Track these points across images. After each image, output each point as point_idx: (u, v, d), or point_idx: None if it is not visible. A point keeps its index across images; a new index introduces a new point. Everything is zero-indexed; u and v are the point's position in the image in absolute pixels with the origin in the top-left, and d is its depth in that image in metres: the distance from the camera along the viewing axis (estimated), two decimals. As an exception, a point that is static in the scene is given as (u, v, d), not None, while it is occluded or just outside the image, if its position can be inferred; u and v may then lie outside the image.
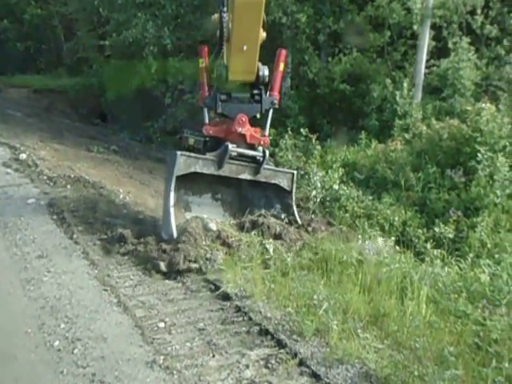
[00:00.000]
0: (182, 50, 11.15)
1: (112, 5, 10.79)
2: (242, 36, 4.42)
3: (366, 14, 8.58)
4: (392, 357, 3.01)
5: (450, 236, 4.81)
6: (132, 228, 5.24)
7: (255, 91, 4.92)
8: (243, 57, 4.51)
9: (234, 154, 4.73)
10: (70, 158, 8.46)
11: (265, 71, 4.82)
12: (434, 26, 8.05)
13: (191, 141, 5.09)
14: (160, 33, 9.75)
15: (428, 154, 6.62)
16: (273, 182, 5.04)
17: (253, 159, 4.92)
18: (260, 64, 4.77)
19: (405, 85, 7.77)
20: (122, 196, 6.36)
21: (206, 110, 4.96)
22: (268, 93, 4.96)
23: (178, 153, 4.58)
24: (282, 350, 3.13)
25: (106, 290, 3.91)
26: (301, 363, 3.00)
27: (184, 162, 4.55)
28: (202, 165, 4.66)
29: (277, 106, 5.00)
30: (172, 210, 4.52)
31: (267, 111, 5.00)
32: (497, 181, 5.50)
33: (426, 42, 7.83)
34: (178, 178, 4.55)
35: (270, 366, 3.00)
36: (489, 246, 4.78)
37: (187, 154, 4.67)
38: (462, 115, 7.01)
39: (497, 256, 4.28)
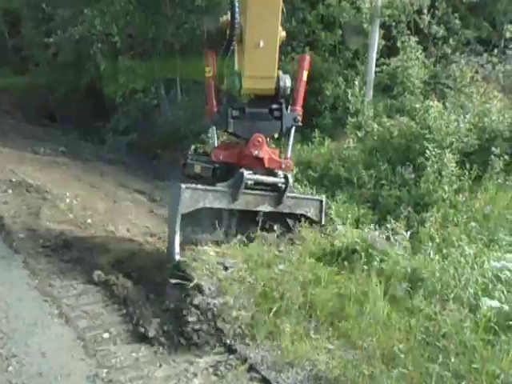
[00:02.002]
0: (134, 47, 10.85)
1: (56, 0, 10.34)
2: (257, 31, 3.68)
3: (318, 12, 8.61)
4: (343, 357, 2.98)
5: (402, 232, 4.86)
6: (78, 234, 5.03)
7: (274, 106, 4.06)
8: (259, 57, 3.76)
9: (250, 182, 3.92)
10: (14, 160, 8.05)
11: (286, 81, 3.97)
12: (383, 25, 8.18)
13: (197, 168, 4.18)
14: (108, 30, 9.42)
15: (379, 151, 6.70)
16: (298, 212, 4.18)
17: (273, 187, 4.07)
18: (281, 72, 4.01)
19: (356, 83, 7.85)
20: (68, 200, 6.09)
21: (214, 128, 4.16)
22: (289, 108, 4.14)
23: (183, 186, 3.73)
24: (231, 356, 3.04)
25: (46, 301, 3.70)
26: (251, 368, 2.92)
27: (190, 197, 3.74)
28: (213, 198, 3.83)
29: (300, 124, 4.18)
30: (177, 256, 3.75)
31: (289, 130, 4.18)
32: (445, 176, 5.61)
33: (376, 41, 7.94)
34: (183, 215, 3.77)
35: (219, 373, 2.90)
36: (437, 240, 4.86)
37: (193, 186, 3.81)
38: (411, 112, 7.14)
39: (444, 251, 4.35)
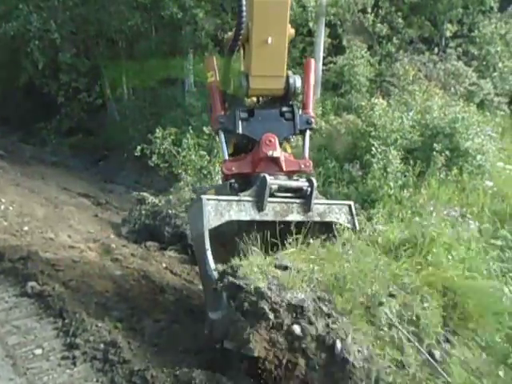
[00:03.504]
0: (76, 44, 10.41)
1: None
2: (265, 28, 3.48)
3: (264, 10, 8.55)
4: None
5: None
6: (12, 242, 4.72)
7: (285, 108, 3.78)
8: (268, 55, 3.53)
9: (274, 187, 3.51)
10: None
11: (296, 81, 3.69)
12: (329, 24, 8.25)
13: (212, 192, 3.81)
14: (46, 26, 8.95)
15: (327, 148, 6.75)
16: (329, 219, 3.77)
17: (298, 192, 3.64)
18: (290, 72, 3.74)
19: (304, 81, 7.87)
20: (3, 207, 5.72)
21: (222, 136, 3.76)
22: (301, 111, 3.85)
23: (204, 198, 3.36)
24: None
25: (-28, 318, 3.41)
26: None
27: (214, 210, 3.35)
28: (238, 209, 3.44)
29: (314, 126, 3.91)
30: (215, 273, 3.12)
31: (302, 132, 3.86)
32: (390, 173, 5.71)
33: (322, 40, 8.01)
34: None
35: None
36: (384, 236, 4.93)
37: (214, 197, 3.48)
38: (358, 110, 7.24)
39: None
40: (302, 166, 3.76)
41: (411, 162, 5.80)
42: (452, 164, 5.79)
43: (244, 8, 3.46)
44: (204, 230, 3.27)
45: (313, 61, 4.19)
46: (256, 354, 2.56)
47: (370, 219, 5.29)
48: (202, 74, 9.41)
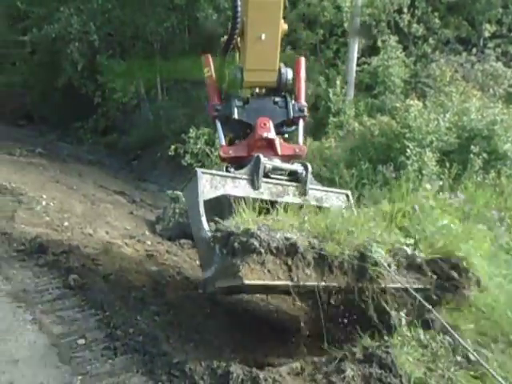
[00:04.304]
0: (113, 46, 10.69)
1: (31, -2, 10.16)
2: (258, 23, 3.66)
3: (299, 11, 8.59)
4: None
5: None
6: (54, 237, 4.90)
7: (278, 98, 3.99)
8: (261, 50, 3.73)
9: (268, 166, 3.66)
10: (-11, 166, 7.83)
11: (288, 74, 3.92)
12: (364, 25, 8.20)
13: None
14: (86, 28, 9.24)
15: (361, 150, 6.71)
16: (325, 205, 3.85)
17: (294, 176, 3.79)
18: (282, 65, 3.94)
19: (338, 82, 7.86)
20: (44, 203, 5.93)
21: (219, 124, 3.95)
22: (293, 101, 4.04)
23: (199, 171, 3.52)
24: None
25: (20, 307, 3.57)
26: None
27: (210, 183, 3.47)
28: (233, 185, 3.56)
29: (306, 114, 4.07)
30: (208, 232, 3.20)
31: (296, 120, 4.03)
32: (425, 175, 5.64)
33: (356, 40, 7.96)
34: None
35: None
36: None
37: (210, 171, 3.66)
38: (392, 112, 7.18)
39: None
40: (297, 151, 3.92)
41: (447, 164, 5.71)
42: (490, 167, 5.68)
43: (239, 14, 3.69)
44: (199, 200, 3.38)
45: (303, 59, 4.35)
46: (246, 282, 2.65)
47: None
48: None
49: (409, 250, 3.10)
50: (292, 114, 3.96)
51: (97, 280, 3.97)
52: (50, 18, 9.54)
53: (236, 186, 3.58)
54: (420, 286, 3.08)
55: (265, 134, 3.75)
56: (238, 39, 4.05)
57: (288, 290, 2.95)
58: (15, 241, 4.64)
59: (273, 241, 2.77)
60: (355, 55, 8.08)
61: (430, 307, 2.91)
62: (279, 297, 4.44)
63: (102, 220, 6.01)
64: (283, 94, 4.00)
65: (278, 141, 3.84)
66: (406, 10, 8.02)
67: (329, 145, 7.18)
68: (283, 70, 3.92)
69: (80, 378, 2.83)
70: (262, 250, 2.72)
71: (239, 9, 3.70)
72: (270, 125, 3.81)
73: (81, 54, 9.52)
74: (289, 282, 2.76)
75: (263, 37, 3.67)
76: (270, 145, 3.79)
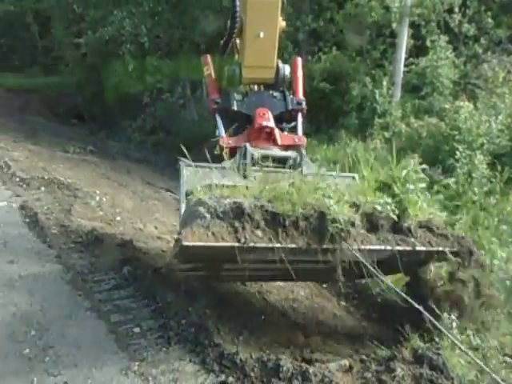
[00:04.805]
0: (161, 47, 11.00)
1: (87, 2, 10.59)
2: (257, 21, 3.75)
3: (346, 12, 8.57)
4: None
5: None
6: (108, 231, 5.13)
7: (276, 93, 4.09)
8: (259, 47, 3.83)
9: (257, 155, 3.68)
10: (45, 158, 8.25)
11: (286, 70, 4.04)
12: (412, 25, 8.08)
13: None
14: (137, 30, 9.58)
15: (408, 152, 6.62)
16: None
17: (285, 162, 3.81)
18: (280, 61, 4.04)
19: (384, 83, 7.79)
20: (98, 198, 6.21)
21: (218, 117, 4.02)
22: (291, 96, 4.13)
23: (182, 163, 3.60)
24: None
25: (79, 295, 3.79)
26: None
27: (194, 175, 3.48)
28: (220, 176, 3.53)
29: (304, 107, 4.10)
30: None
31: (295, 113, 4.09)
32: (475, 178, 5.52)
33: (404, 41, 7.86)
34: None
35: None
36: (468, 243, 4.79)
37: (195, 164, 3.61)
38: (440, 113, 7.05)
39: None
40: (297, 141, 3.96)
41: (498, 167, 5.56)
42: (543, 171, 5.49)
43: (238, 13, 3.79)
44: (181, 189, 3.53)
45: (299, 59, 4.47)
46: (184, 243, 2.57)
47: (452, 225, 5.17)
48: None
49: (385, 209, 2.98)
50: (290, 106, 4.03)
51: (148, 272, 4.14)
52: (104, 20, 9.95)
53: (224, 175, 3.58)
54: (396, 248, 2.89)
55: (264, 123, 3.81)
56: (237, 41, 4.21)
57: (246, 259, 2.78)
58: (73, 233, 4.90)
59: (220, 206, 2.74)
60: (403, 56, 7.97)
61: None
62: (324, 295, 4.51)
63: (151, 216, 6.23)
64: (281, 89, 4.09)
65: (277, 131, 3.90)
66: (457, 9, 7.84)
67: (374, 146, 7.13)
68: (281, 66, 4.02)
69: (137, 363, 2.98)
70: (207, 215, 2.70)
71: (238, 9, 3.82)
72: (269, 115, 3.88)
73: (132, 55, 9.89)
74: (235, 244, 2.62)
75: (261, 34, 3.76)
76: (269, 135, 3.85)
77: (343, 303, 4.35)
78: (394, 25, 7.83)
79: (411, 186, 3.17)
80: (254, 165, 3.68)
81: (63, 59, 14.41)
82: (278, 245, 2.69)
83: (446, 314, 2.86)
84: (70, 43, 12.69)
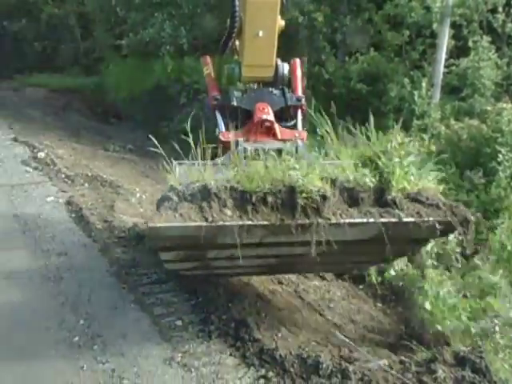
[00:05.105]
0: (198, 49, 11.17)
1: (129, 4, 10.87)
2: (256, 21, 3.80)
3: (385, 12, 8.48)
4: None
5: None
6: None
7: (275, 91, 4.12)
8: (258, 47, 3.89)
9: (250, 149, 3.61)
10: (88, 156, 8.54)
11: (285, 69, 4.11)
12: (453, 25, 7.91)
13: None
14: (177, 32, 9.78)
15: (447, 154, 6.52)
16: None
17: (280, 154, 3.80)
18: (279, 60, 4.09)
19: (423, 84, 7.66)
20: (138, 195, 6.40)
21: (218, 113, 4.05)
22: (290, 93, 4.15)
23: (175, 162, 3.56)
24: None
25: (124, 288, 3.94)
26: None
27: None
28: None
29: (304, 103, 4.10)
30: None
31: (295, 110, 4.10)
32: (518, 182, 5.40)
33: (445, 41, 7.70)
34: None
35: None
36: (509, 248, 4.70)
37: (188, 162, 3.58)
38: (481, 115, 6.89)
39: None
40: (297, 135, 3.87)
41: (544, 171, 5.43)
42: None
43: (237, 13, 3.80)
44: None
45: (298, 60, 4.40)
46: (150, 225, 2.60)
47: (492, 229, 5.08)
48: (317, 77, 9.61)
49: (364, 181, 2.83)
50: (290, 102, 4.03)
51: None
52: (145, 23, 10.20)
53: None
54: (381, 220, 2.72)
55: (264, 116, 3.78)
56: (237, 43, 4.22)
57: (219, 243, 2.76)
58: (116, 228, 5.07)
59: (188, 190, 2.76)
60: (443, 56, 7.82)
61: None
62: (360, 296, 4.52)
63: (188, 214, 6.34)
64: (280, 87, 4.09)
65: (277, 125, 3.86)
66: (500, 9, 7.63)
67: (412, 148, 7.04)
68: (280, 64, 4.05)
69: (180, 355, 3.10)
70: (175, 198, 2.73)
71: (237, 8, 3.83)
72: (269, 109, 3.86)
73: (171, 56, 10.09)
74: (202, 223, 2.60)
75: (260, 34, 3.78)
76: (269, 129, 3.81)
77: (380, 305, 4.35)
78: (435, 25, 7.68)
79: (396, 159, 3.00)
80: (245, 158, 3.58)
81: (103, 60, 14.82)
82: (249, 222, 2.65)
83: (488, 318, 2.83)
84: (110, 45, 13.03)
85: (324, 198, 2.71)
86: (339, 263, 3.63)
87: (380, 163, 3.00)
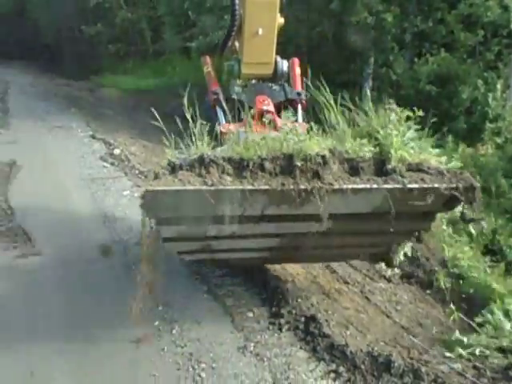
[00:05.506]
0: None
1: (201, 8, 11.24)
2: (255, 19, 3.87)
3: (458, 12, 8.22)
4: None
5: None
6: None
7: (275, 86, 4.20)
8: (258, 44, 3.96)
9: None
10: (157, 154, 8.92)
11: (284, 66, 4.18)
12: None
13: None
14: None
15: (523, 159, 6.26)
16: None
17: None
18: (278, 57, 4.17)
19: (498, 86, 7.38)
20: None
21: (218, 108, 4.04)
22: (290, 88, 4.22)
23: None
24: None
25: (197, 279, 4.15)
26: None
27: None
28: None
29: (304, 97, 4.12)
30: None
31: (295, 104, 4.12)
32: None
33: (523, 41, 7.39)
34: None
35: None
36: None
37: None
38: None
39: None
40: (297, 126, 3.73)
41: None
42: None
43: (237, 11, 3.86)
44: None
45: (296, 59, 4.44)
46: (148, 188, 2.51)
47: None
48: (383, 78, 9.48)
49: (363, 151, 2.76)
50: (290, 95, 4.07)
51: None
52: (215, 25, 10.52)
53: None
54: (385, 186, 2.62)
55: (264, 107, 3.78)
56: (236, 43, 4.27)
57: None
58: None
59: (185, 161, 2.73)
60: (521, 57, 7.50)
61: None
62: (427, 301, 4.46)
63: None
64: (280, 83, 4.16)
65: (277, 118, 3.84)
66: None
67: (484, 152, 6.81)
68: (279, 61, 4.11)
69: (252, 344, 3.23)
70: (173, 166, 2.71)
71: (237, 7, 3.91)
72: (269, 101, 3.88)
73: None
74: (203, 187, 2.51)
75: (260, 31, 3.85)
76: (269, 121, 3.71)
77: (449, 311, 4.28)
78: (513, 25, 7.39)
79: (394, 132, 2.94)
80: None
81: (171, 62, 15.39)
82: (250, 186, 2.57)
83: None
84: (179, 47, 13.51)
85: (324, 161, 2.67)
86: (342, 247, 3.52)
87: (379, 136, 2.98)
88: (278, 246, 3.12)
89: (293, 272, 4.45)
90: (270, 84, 4.24)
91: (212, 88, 4.20)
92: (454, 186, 2.70)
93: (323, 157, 2.66)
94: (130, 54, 17.72)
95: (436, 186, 2.68)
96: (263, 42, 3.98)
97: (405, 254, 3.59)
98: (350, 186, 2.62)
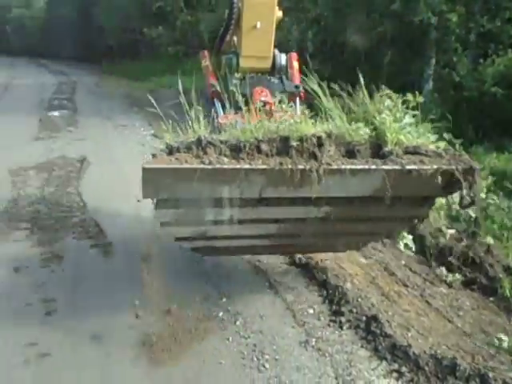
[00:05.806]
0: (323, 52, 11.37)
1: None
2: (254, 12, 3.90)
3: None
4: None
5: None
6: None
7: (273, 79, 4.21)
8: (256, 38, 3.98)
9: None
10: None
11: (282, 59, 4.21)
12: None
13: None
14: (303, 36, 10.10)
15: None
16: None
17: None
18: (277, 51, 4.20)
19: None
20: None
21: (216, 101, 4.03)
22: (289, 81, 4.22)
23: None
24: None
25: (257, 274, 4.27)
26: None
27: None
28: None
29: (301, 89, 4.11)
30: None
31: (293, 97, 4.12)
32: None
33: None
34: None
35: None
36: None
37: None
38: None
39: None
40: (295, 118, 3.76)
41: None
42: None
43: (235, 4, 3.85)
44: None
45: (294, 53, 4.46)
46: (145, 166, 2.51)
47: None
48: (445, 80, 9.25)
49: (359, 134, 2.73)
50: (288, 88, 4.06)
51: (319, 262, 4.44)
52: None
53: None
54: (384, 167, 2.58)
55: (262, 98, 3.79)
56: (234, 37, 4.26)
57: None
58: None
59: (183, 144, 2.70)
60: None
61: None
62: (491, 308, 4.34)
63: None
64: (278, 76, 4.16)
65: (276, 109, 3.72)
66: None
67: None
68: (277, 54, 4.13)
69: (314, 340, 3.31)
70: (170, 148, 2.67)
71: (236, 0, 3.90)
72: (267, 92, 3.88)
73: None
74: (200, 166, 2.49)
75: (258, 25, 3.87)
76: (267, 112, 3.68)
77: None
78: None
79: (390, 117, 2.88)
80: None
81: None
82: (247, 166, 2.56)
83: None
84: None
85: (319, 142, 2.68)
86: (342, 235, 3.47)
87: (375, 121, 2.94)
88: (277, 233, 3.12)
89: (352, 272, 4.48)
90: (269, 77, 4.28)
91: (210, 81, 4.26)
92: (454, 167, 2.66)
93: (319, 138, 2.69)
94: (188, 55, 18.24)
95: (435, 166, 2.65)
96: (261, 36, 4.02)
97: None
98: (348, 167, 2.62)
